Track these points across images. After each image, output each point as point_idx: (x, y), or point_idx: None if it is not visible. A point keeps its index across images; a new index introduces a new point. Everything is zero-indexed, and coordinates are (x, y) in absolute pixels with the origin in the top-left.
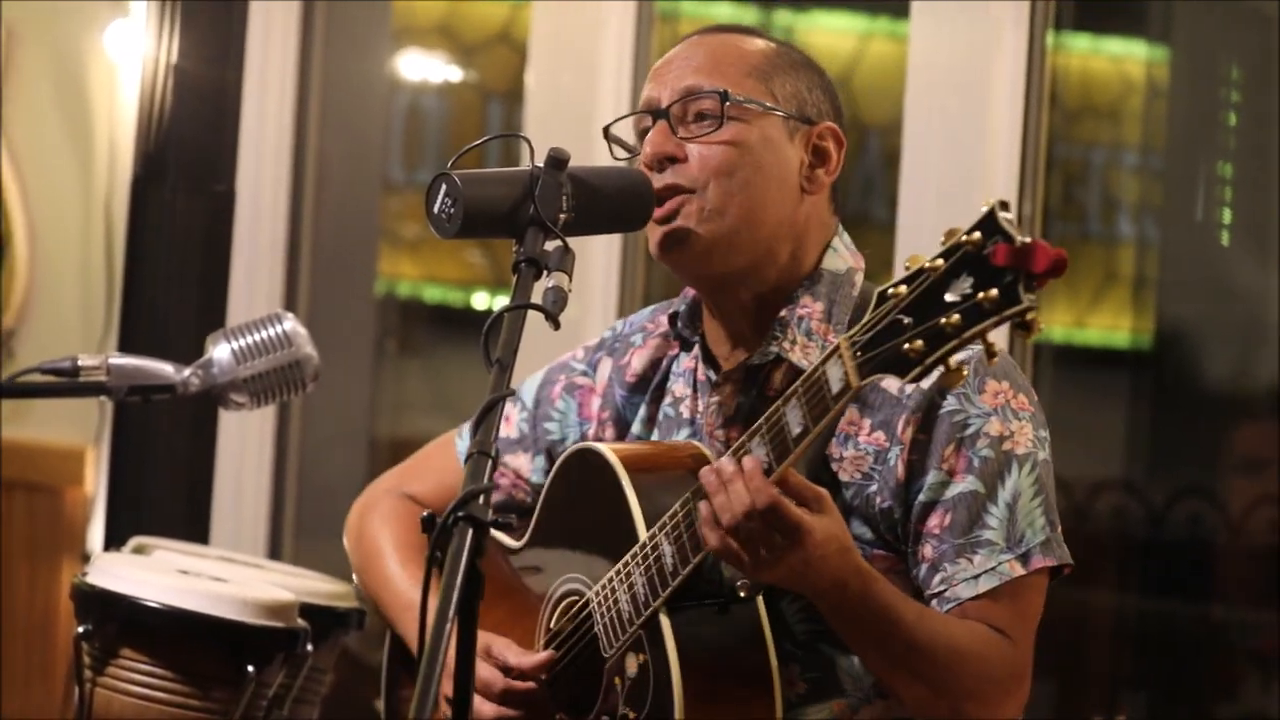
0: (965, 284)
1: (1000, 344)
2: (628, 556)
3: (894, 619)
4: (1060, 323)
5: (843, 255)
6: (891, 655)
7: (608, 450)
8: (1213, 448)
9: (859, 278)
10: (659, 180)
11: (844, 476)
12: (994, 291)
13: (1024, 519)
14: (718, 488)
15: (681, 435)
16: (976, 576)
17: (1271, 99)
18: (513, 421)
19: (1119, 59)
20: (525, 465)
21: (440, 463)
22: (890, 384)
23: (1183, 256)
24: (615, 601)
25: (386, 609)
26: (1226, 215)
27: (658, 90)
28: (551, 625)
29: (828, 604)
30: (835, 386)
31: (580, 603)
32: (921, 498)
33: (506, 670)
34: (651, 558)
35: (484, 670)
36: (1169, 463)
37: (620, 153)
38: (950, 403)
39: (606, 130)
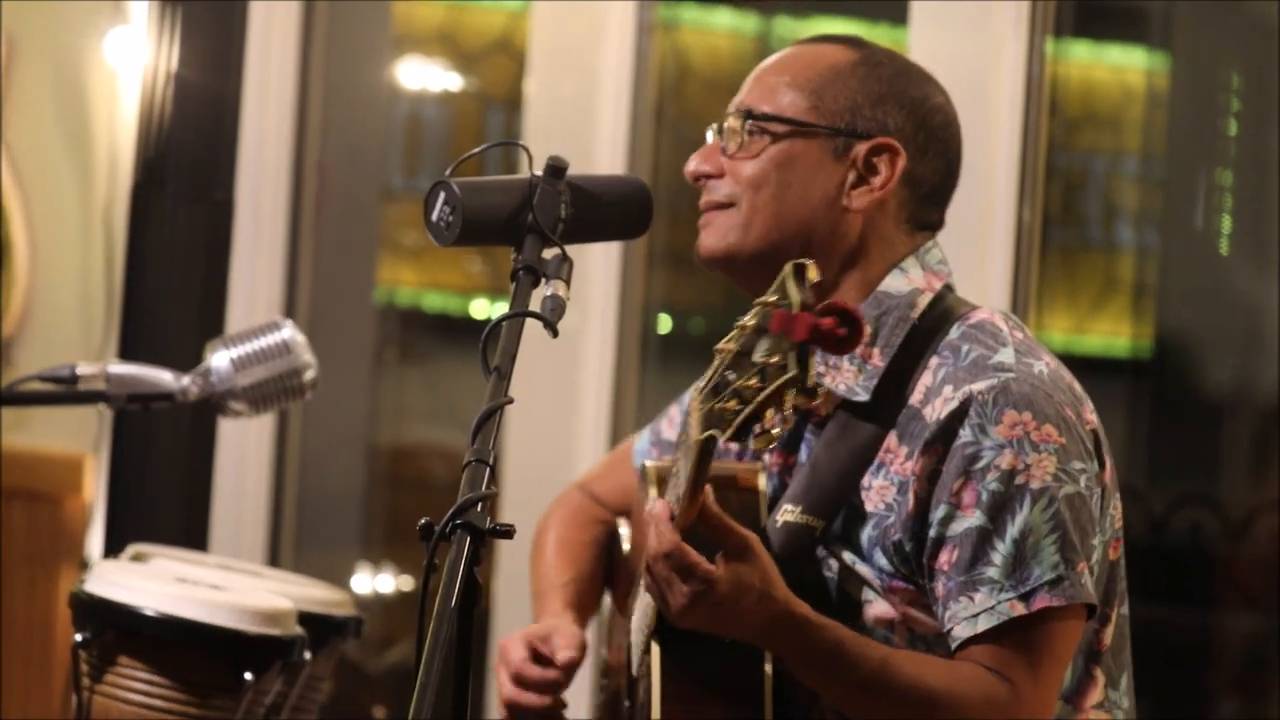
0: (764, 346)
1: (1038, 370)
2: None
3: (849, 664)
4: (1060, 329)
5: (910, 276)
6: (857, 702)
7: (651, 468)
8: (1213, 455)
9: (924, 299)
10: (703, 196)
11: (869, 507)
12: (776, 357)
13: (1032, 556)
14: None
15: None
16: (975, 616)
17: (1272, 107)
18: (674, 423)
19: (1119, 67)
20: None
21: (621, 463)
22: (927, 410)
23: (1183, 264)
24: (637, 623)
25: (531, 592)
26: (1227, 223)
27: (735, 100)
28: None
29: (771, 650)
30: (690, 437)
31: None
32: (932, 533)
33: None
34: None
35: (517, 651)
36: (1169, 470)
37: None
38: (965, 434)
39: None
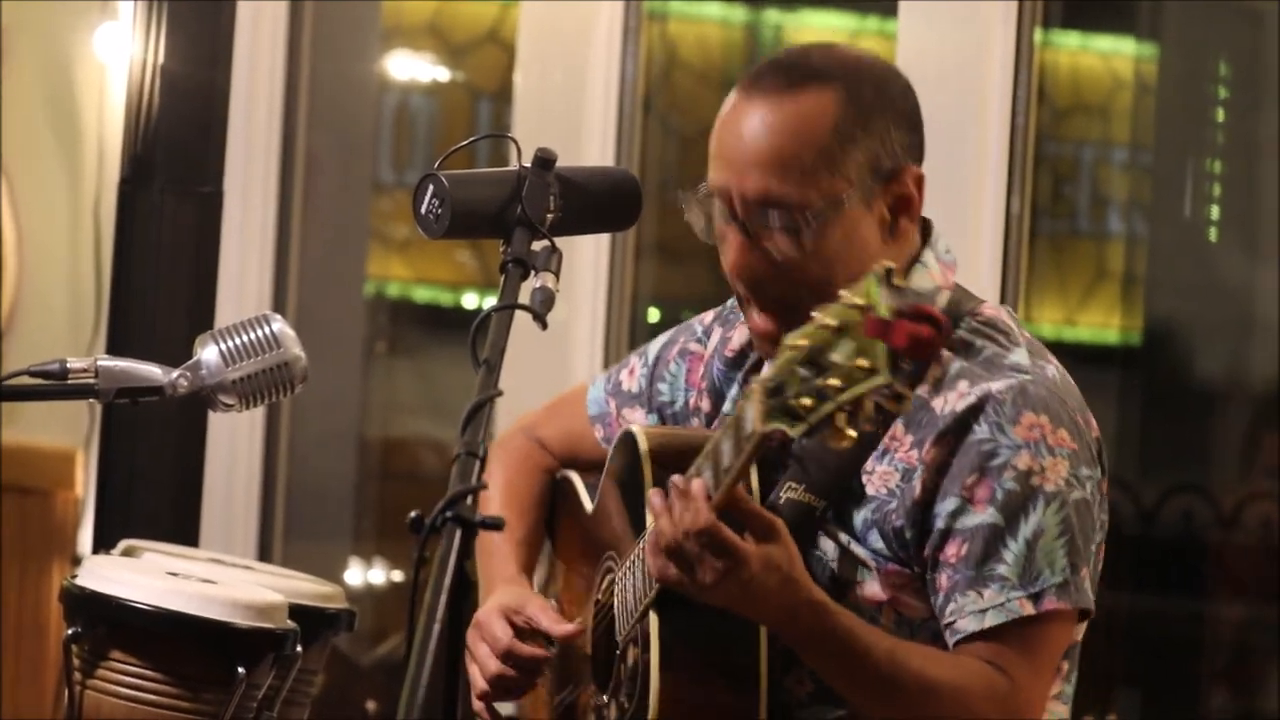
0: (848, 348)
1: (1050, 373)
2: (640, 545)
3: (858, 653)
4: (1050, 320)
5: (931, 272)
6: (862, 690)
7: (641, 434)
8: (1204, 444)
9: (943, 297)
10: (752, 297)
11: (870, 490)
12: (863, 360)
13: (1043, 558)
14: (662, 510)
15: None
16: (984, 611)
17: (1260, 95)
18: (635, 374)
19: (1108, 56)
20: (640, 420)
21: (570, 409)
22: (936, 401)
23: (1172, 253)
24: (625, 590)
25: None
26: (1215, 212)
27: (725, 178)
28: (599, 596)
29: (784, 634)
30: (747, 428)
31: (611, 581)
32: (940, 524)
33: (526, 634)
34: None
35: (499, 627)
36: (1160, 459)
37: (698, 226)
38: (982, 430)
39: (681, 197)
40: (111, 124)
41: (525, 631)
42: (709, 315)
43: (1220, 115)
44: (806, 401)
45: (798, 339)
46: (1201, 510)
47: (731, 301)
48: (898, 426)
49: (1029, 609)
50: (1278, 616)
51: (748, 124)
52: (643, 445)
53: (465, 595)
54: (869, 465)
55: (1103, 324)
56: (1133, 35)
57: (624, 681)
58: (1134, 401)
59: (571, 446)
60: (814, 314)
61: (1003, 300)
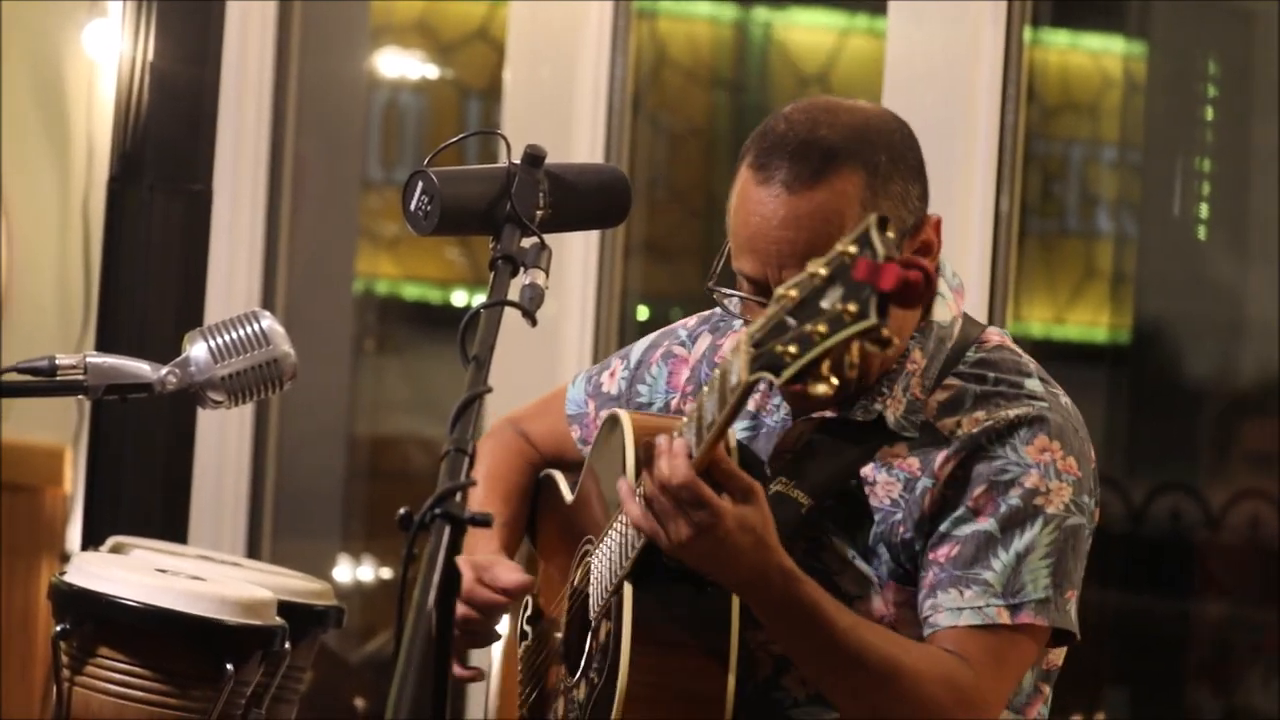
0: (836, 293)
1: (1064, 401)
2: (613, 521)
3: (822, 624)
4: (1039, 318)
5: (949, 303)
6: (823, 663)
7: (625, 416)
8: (1192, 443)
9: (958, 328)
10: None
11: (874, 502)
12: (852, 305)
13: (1028, 573)
14: (645, 462)
15: (740, 426)
16: (960, 609)
17: (1249, 94)
18: (615, 377)
19: (1097, 55)
20: None
21: (558, 406)
22: (943, 424)
23: (1161, 251)
24: (601, 566)
25: None
26: (1204, 210)
27: (759, 269)
28: (575, 581)
29: (750, 598)
30: (732, 379)
31: (587, 564)
32: (941, 529)
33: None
34: (623, 526)
35: (466, 572)
36: (1148, 458)
37: (731, 305)
38: (996, 450)
39: (711, 289)
40: (101, 122)
41: (486, 585)
42: (693, 320)
43: (1209, 114)
44: (792, 349)
45: (789, 289)
46: (1189, 509)
47: (723, 307)
48: (900, 445)
49: (1005, 618)
50: (1265, 615)
51: (776, 214)
52: (626, 426)
53: (454, 592)
54: (869, 475)
55: (1091, 323)
56: (1122, 34)
57: (594, 657)
58: (1122, 400)
59: (557, 444)
60: (808, 264)
61: (991, 299)
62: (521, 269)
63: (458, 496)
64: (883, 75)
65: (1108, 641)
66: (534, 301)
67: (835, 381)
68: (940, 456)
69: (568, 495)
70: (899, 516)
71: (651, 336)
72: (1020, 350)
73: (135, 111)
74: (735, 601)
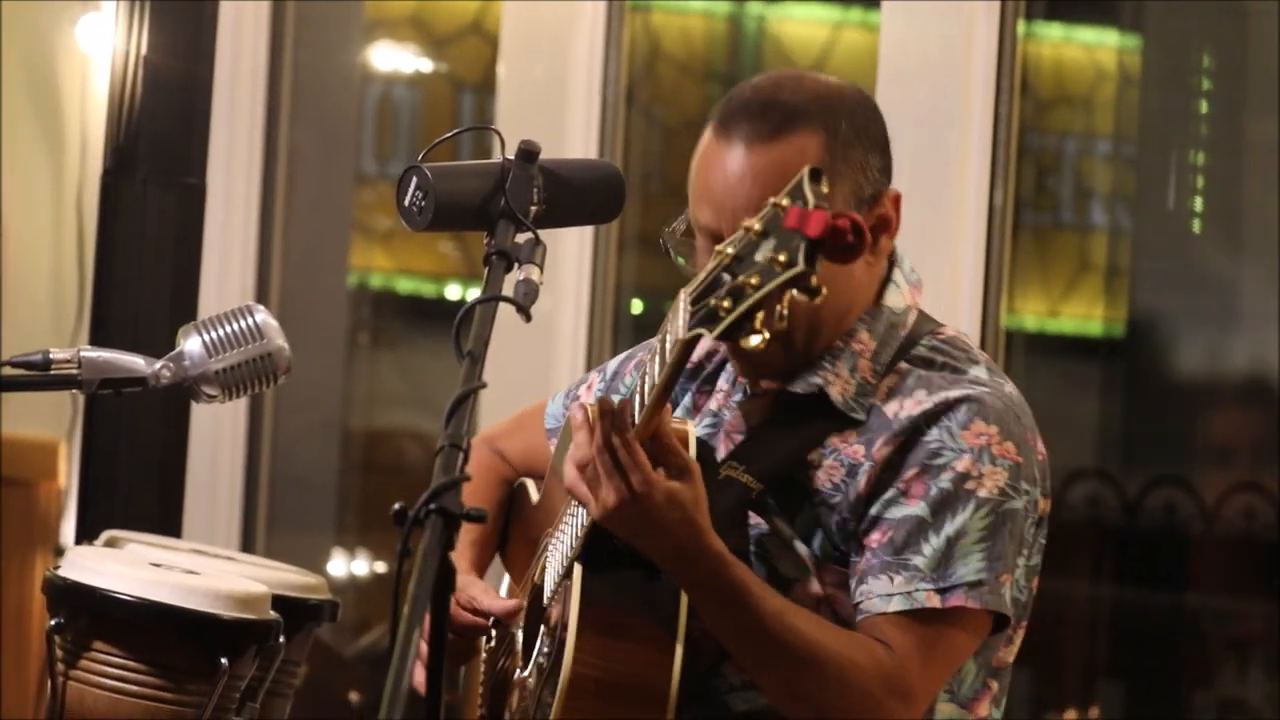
0: (769, 246)
1: (1008, 390)
2: (566, 507)
3: (747, 607)
4: (1033, 311)
5: (902, 291)
6: (747, 645)
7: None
8: (1186, 436)
9: (912, 317)
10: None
11: (815, 484)
12: (783, 255)
13: (960, 557)
14: (580, 424)
15: (702, 424)
16: (890, 595)
17: (1243, 88)
18: (592, 389)
19: (1091, 48)
20: None
21: (532, 423)
22: (889, 408)
23: (1155, 245)
24: (556, 552)
25: None
26: (1198, 203)
27: (715, 220)
28: (535, 576)
29: (677, 576)
30: (670, 338)
31: (546, 555)
32: (873, 511)
33: (470, 609)
34: (574, 508)
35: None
36: (1143, 451)
37: (685, 256)
38: (932, 434)
39: (663, 238)
40: (94, 115)
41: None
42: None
43: (1203, 107)
44: (726, 303)
45: (726, 246)
46: (1184, 502)
47: None
48: (848, 430)
49: (934, 602)
50: (1259, 608)
51: (733, 168)
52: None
53: (449, 587)
54: (814, 459)
55: (1086, 316)
56: (1116, 27)
57: (544, 643)
58: (1116, 393)
59: (530, 460)
60: (743, 223)
61: (986, 292)
62: (516, 264)
63: (452, 491)
64: (877, 68)
65: (1102, 635)
66: (528, 297)
67: (767, 335)
68: (880, 440)
69: (535, 497)
70: (837, 499)
71: (630, 349)
72: (973, 345)
73: (129, 105)
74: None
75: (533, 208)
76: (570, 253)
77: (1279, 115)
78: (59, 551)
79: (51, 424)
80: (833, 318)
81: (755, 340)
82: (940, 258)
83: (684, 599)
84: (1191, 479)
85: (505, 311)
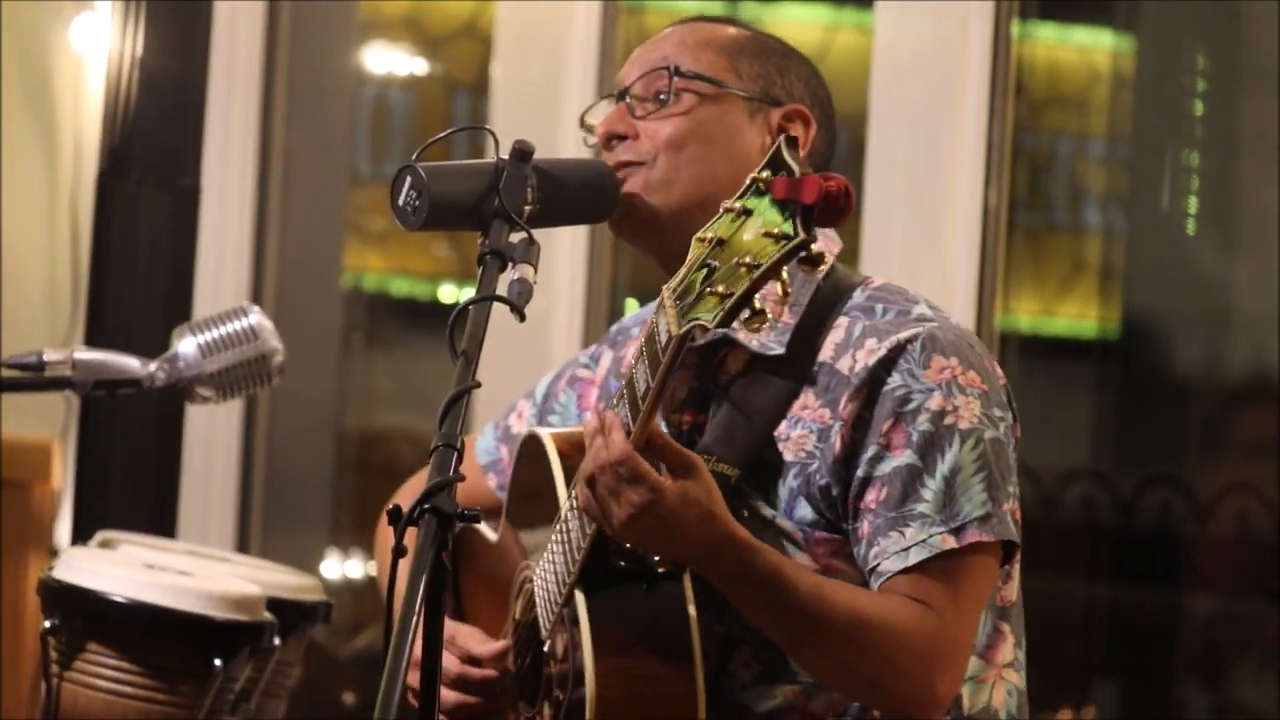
0: (757, 223)
1: (955, 322)
2: (553, 535)
3: (783, 588)
4: (1027, 312)
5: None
6: (788, 628)
7: (544, 432)
8: (1181, 436)
9: (827, 262)
10: (611, 158)
11: (788, 456)
12: (775, 227)
13: (962, 493)
14: (586, 445)
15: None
16: (907, 549)
17: (1237, 88)
18: (524, 417)
19: (1085, 48)
20: None
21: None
22: (842, 364)
23: (1149, 246)
24: (546, 581)
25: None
26: (1193, 204)
27: (622, 74)
28: (516, 614)
29: (707, 573)
30: (662, 338)
31: (530, 590)
32: (860, 473)
33: (469, 660)
34: (565, 533)
35: (444, 657)
36: (1137, 452)
37: (592, 140)
38: (894, 379)
39: (581, 119)
40: (89, 116)
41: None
42: (593, 346)
43: (1198, 108)
44: (720, 288)
45: (704, 233)
46: (1178, 503)
47: (616, 326)
48: (808, 395)
49: (951, 542)
50: (1254, 609)
51: (652, 38)
52: (548, 442)
53: (444, 586)
54: (782, 431)
55: (1080, 316)
56: (1110, 28)
57: (554, 676)
58: (1111, 394)
59: (470, 501)
60: (722, 205)
61: (980, 292)
62: (510, 264)
63: (447, 492)
64: (870, 69)
65: (1097, 635)
66: (522, 297)
67: (769, 316)
68: (844, 397)
69: (491, 536)
70: (814, 465)
71: (555, 370)
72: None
73: (123, 106)
74: (688, 592)
75: (527, 207)
76: (564, 253)
77: (1274, 116)
78: (53, 553)
79: (46, 425)
80: (699, 211)
81: (758, 324)
82: (934, 258)
83: (691, 603)
84: (1186, 479)
85: (499, 311)
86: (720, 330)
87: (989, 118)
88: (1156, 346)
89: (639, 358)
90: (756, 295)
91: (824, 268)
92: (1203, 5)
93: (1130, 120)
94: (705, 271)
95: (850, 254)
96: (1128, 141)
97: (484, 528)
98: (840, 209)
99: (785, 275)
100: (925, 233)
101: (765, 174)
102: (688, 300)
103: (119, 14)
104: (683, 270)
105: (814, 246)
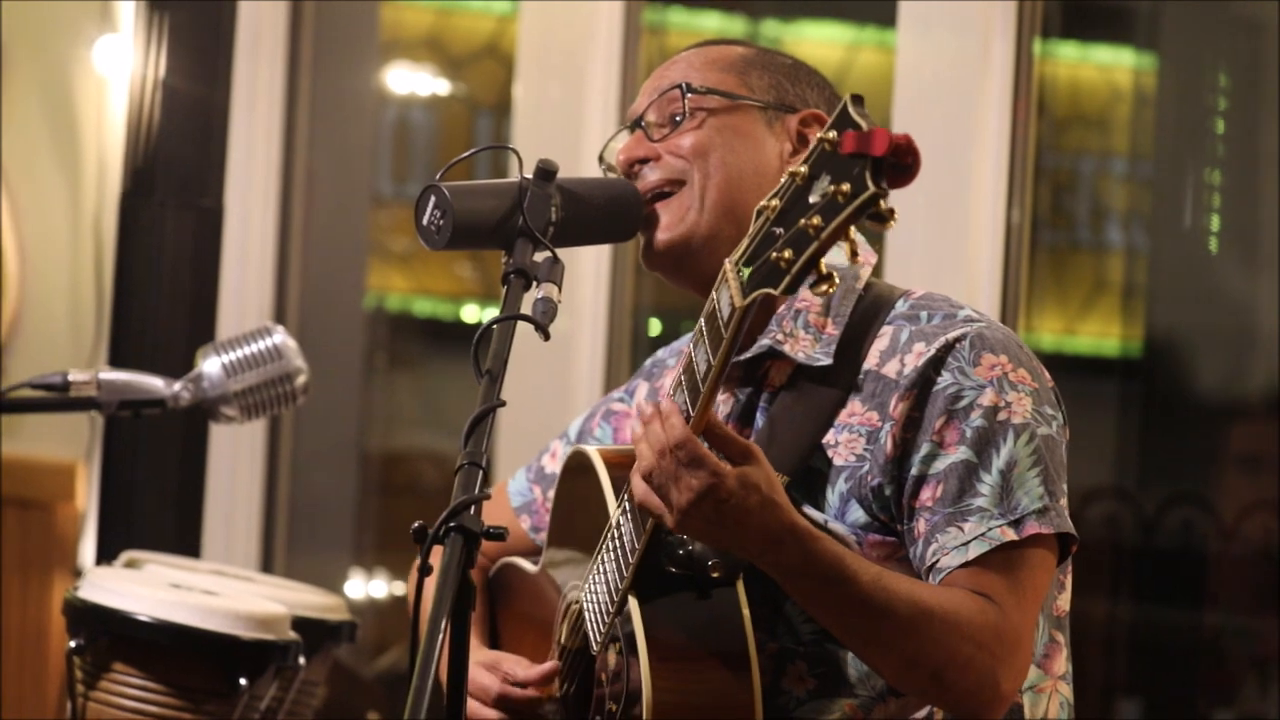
0: (825, 183)
1: (1001, 324)
2: (602, 545)
3: (846, 579)
4: (1050, 330)
5: (844, 249)
6: (851, 620)
7: (591, 449)
8: (1204, 454)
9: (865, 272)
10: (642, 185)
11: (839, 461)
12: (845, 185)
13: (1019, 486)
14: (639, 436)
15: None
16: (966, 544)
17: (1259, 106)
18: (557, 457)
19: (1107, 67)
20: None
21: (494, 508)
22: (889, 369)
23: (1172, 264)
24: (596, 594)
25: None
26: (1215, 222)
27: (635, 106)
28: (561, 639)
29: (768, 565)
30: (725, 311)
31: (578, 606)
32: (914, 472)
33: (513, 683)
34: (616, 538)
35: (485, 678)
36: (1160, 470)
37: (612, 176)
38: (945, 378)
39: (600, 157)
40: (112, 137)
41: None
42: (626, 382)
43: (1220, 126)
44: (788, 254)
45: (768, 200)
46: (1201, 521)
47: (651, 359)
48: (854, 403)
49: (1010, 535)
50: (1277, 627)
51: (669, 61)
52: (594, 456)
53: (469, 605)
54: (829, 439)
55: (1102, 335)
56: (1131, 46)
57: (607, 689)
58: (1134, 412)
59: (501, 546)
60: (786, 170)
61: (1003, 311)
62: (534, 283)
63: (472, 510)
64: (893, 89)
65: (1121, 653)
66: (547, 316)
67: (838, 279)
68: (894, 398)
69: (531, 568)
70: (866, 468)
71: (585, 411)
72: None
73: (146, 127)
74: (743, 598)
75: (550, 226)
76: (588, 272)
77: None
78: (77, 573)
79: (71, 446)
80: (734, 225)
81: (825, 286)
82: (957, 277)
83: (746, 610)
84: (1209, 497)
85: (524, 331)
86: (789, 294)
87: (1011, 136)
88: (1179, 365)
89: (697, 340)
90: (823, 262)
91: (892, 224)
92: (1224, 23)
93: (1152, 138)
94: (768, 238)
95: (874, 273)
96: (1150, 160)
97: (521, 562)
98: (909, 165)
99: (853, 235)
100: (948, 251)
101: (832, 134)
102: (752, 269)
103: (142, 36)
104: (746, 240)
105: (883, 203)
